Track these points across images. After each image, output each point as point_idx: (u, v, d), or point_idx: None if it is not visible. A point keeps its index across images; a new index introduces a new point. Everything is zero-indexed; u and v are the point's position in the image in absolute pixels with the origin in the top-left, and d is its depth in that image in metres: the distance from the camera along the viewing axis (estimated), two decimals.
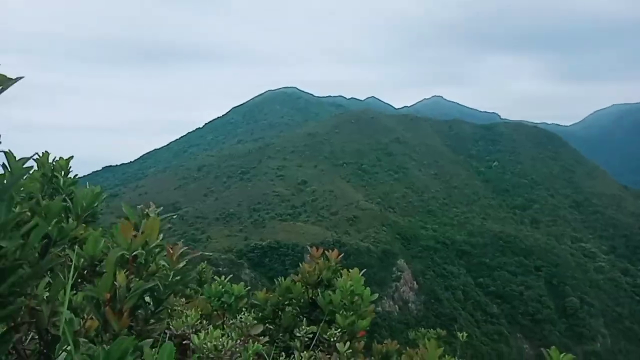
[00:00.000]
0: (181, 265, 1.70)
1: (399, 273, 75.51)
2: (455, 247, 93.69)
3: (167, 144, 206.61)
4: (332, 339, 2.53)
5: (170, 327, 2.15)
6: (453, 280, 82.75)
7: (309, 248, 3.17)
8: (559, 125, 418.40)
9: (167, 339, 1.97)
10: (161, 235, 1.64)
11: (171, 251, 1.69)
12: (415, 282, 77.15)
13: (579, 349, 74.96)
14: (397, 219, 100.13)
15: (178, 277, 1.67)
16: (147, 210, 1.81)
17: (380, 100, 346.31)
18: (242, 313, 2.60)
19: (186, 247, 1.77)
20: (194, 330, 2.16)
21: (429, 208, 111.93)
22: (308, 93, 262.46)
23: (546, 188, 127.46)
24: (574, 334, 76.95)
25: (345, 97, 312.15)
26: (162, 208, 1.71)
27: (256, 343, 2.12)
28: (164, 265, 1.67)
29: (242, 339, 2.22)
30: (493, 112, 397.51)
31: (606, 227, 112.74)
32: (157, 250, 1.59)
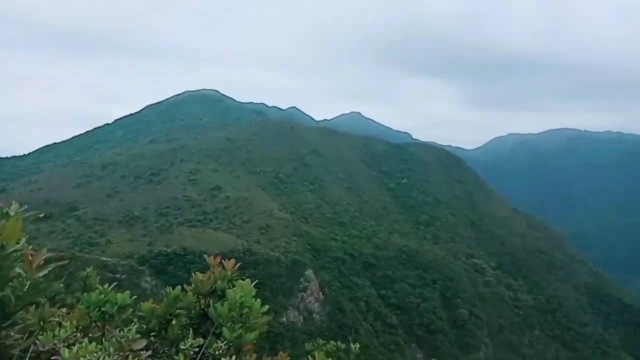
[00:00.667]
0: (42, 273, 1.49)
1: (306, 283, 76.73)
2: (362, 259, 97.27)
3: (70, 138, 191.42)
4: (217, 353, 2.43)
5: (37, 341, 1.90)
6: (357, 291, 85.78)
7: (205, 256, 3.06)
8: (462, 148, 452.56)
9: (28, 356, 1.73)
10: (23, 239, 1.47)
11: (30, 258, 1.48)
12: (321, 293, 78.88)
13: (465, 358, 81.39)
14: (309, 229, 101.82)
15: (41, 286, 1.48)
16: (7, 209, 1.60)
17: (301, 111, 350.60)
18: (126, 325, 2.46)
19: (53, 253, 1.43)
20: (66, 344, 1.95)
21: (340, 220, 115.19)
22: (229, 97, 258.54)
23: (448, 207, 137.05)
24: (462, 344, 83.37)
25: (267, 105, 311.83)
26: (26, 207, 1.51)
27: (137, 359, 1.96)
28: (19, 274, 1.46)
29: (121, 354, 2.04)
30: (406, 132, 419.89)
31: (496, 245, 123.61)
32: (15, 255, 1.40)
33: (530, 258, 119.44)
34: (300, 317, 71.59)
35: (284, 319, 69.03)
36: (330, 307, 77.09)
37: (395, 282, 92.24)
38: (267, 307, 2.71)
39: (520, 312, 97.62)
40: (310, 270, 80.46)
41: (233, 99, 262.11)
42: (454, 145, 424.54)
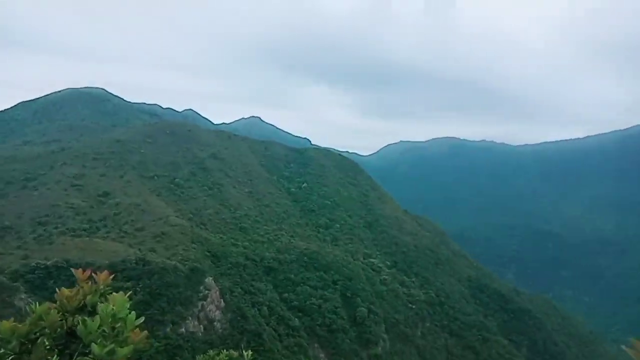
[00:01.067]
0: None
1: (207, 291, 73.66)
2: (263, 264, 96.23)
3: None
4: None
5: None
6: (260, 296, 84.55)
7: (73, 270, 2.79)
8: (358, 154, 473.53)
9: None
10: None
11: None
12: (222, 300, 76.28)
13: (364, 353, 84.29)
14: (208, 235, 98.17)
15: None
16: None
17: (198, 114, 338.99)
18: None
19: None
20: None
21: (241, 225, 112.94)
22: (118, 97, 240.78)
23: (346, 210, 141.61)
24: (362, 340, 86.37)
25: (161, 107, 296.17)
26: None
27: None
28: None
29: None
30: (305, 138, 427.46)
31: (390, 244, 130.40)
32: None
33: (421, 255, 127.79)
34: (201, 326, 68.45)
35: (183, 329, 65.44)
36: (232, 314, 74.87)
37: (297, 285, 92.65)
38: (142, 319, 2.55)
39: (413, 306, 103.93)
40: (211, 278, 77.46)
41: (122, 99, 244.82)
42: (350, 151, 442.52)
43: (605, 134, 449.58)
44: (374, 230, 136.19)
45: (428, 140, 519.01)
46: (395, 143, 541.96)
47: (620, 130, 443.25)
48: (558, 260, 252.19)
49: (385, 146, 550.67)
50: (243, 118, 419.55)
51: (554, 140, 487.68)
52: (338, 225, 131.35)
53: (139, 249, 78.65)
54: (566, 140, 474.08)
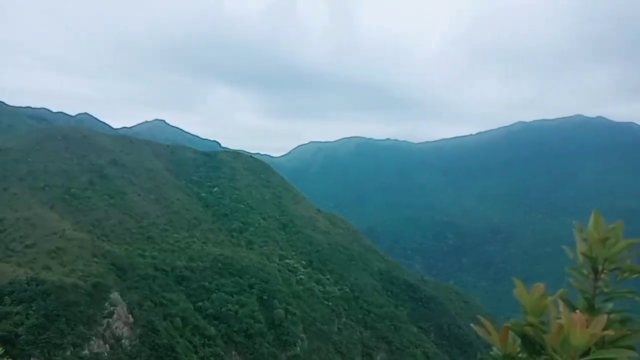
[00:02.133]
0: None
1: (112, 308, 68.73)
2: (175, 274, 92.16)
3: None
4: None
5: None
6: (172, 308, 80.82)
7: None
8: (270, 156, 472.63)
9: None
10: None
11: None
12: (130, 316, 71.69)
13: (283, 355, 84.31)
14: (111, 248, 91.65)
15: None
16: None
17: (95, 117, 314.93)
18: None
19: None
20: None
21: (148, 234, 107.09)
22: None
23: (259, 212, 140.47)
24: (280, 342, 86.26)
25: (50, 111, 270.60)
26: None
27: None
28: None
29: None
30: (214, 140, 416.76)
31: (305, 244, 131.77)
32: None
33: (335, 253, 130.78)
34: (107, 345, 63.70)
35: (86, 351, 60.46)
36: (142, 329, 70.69)
37: (212, 292, 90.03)
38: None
39: (329, 303, 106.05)
40: (116, 293, 72.43)
41: (4, 103, 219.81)
42: (262, 152, 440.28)
43: (493, 130, 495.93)
44: (289, 231, 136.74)
45: (337, 140, 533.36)
46: (306, 144, 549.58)
47: (505, 126, 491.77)
48: (458, 249, 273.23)
49: (297, 147, 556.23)
50: (146, 121, 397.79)
51: (451, 137, 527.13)
52: (252, 229, 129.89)
53: (31, 268, 71.12)
54: (461, 136, 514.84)
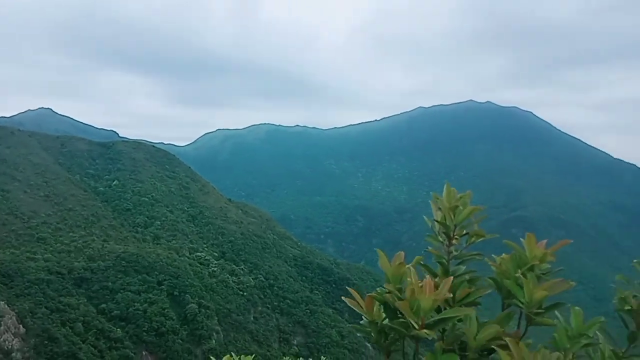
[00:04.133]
0: None
1: None
2: (73, 276, 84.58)
3: None
4: None
5: None
6: (71, 312, 74.17)
7: None
8: (175, 145, 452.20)
9: None
10: None
11: None
12: (21, 326, 64.51)
13: (198, 350, 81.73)
14: None
15: None
16: None
17: None
18: None
19: None
20: None
21: (39, 235, 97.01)
22: None
23: (166, 205, 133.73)
24: (194, 337, 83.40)
25: None
26: None
27: None
28: None
29: None
30: (111, 130, 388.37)
31: (217, 235, 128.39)
32: None
33: (248, 242, 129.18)
34: None
35: None
36: (37, 339, 64.05)
37: (116, 293, 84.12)
38: None
39: (244, 293, 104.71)
40: (2, 302, 64.65)
41: None
42: (165, 142, 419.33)
43: (395, 115, 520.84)
44: (199, 223, 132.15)
45: (246, 128, 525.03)
46: (213, 132, 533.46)
47: (406, 111, 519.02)
48: (368, 230, 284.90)
49: (203, 135, 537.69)
50: (30, 110, 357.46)
51: (357, 123, 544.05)
52: (159, 223, 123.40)
53: None
54: (366, 122, 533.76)
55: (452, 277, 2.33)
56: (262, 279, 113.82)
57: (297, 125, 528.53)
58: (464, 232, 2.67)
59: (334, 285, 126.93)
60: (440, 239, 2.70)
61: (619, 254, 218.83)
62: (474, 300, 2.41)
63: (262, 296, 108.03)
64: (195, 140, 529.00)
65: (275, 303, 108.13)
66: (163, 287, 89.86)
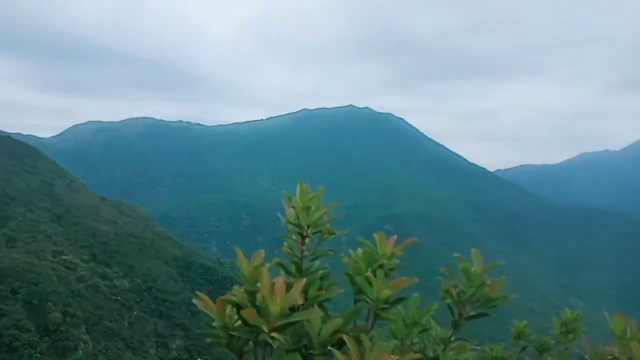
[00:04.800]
0: None
1: None
2: None
3: None
4: None
5: None
6: None
7: None
8: (36, 136, 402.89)
9: None
10: None
11: None
12: None
13: None
14: None
15: None
16: None
17: None
18: None
19: None
20: None
21: None
22: None
23: (24, 203, 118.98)
24: (57, 349, 75.68)
25: None
26: None
27: None
28: None
29: None
30: None
31: (87, 236, 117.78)
32: None
33: (123, 243, 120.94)
34: None
35: None
36: None
37: None
38: None
39: (118, 298, 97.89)
40: None
41: None
42: (25, 132, 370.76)
43: (282, 115, 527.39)
44: (65, 223, 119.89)
45: (123, 121, 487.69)
46: (84, 123, 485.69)
47: (292, 112, 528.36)
48: (254, 229, 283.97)
49: (72, 127, 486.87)
50: None
51: (244, 121, 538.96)
52: (14, 223, 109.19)
53: None
54: (254, 120, 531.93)
55: (305, 279, 2.36)
56: (139, 281, 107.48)
57: (181, 121, 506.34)
58: (317, 230, 2.70)
59: (217, 285, 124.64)
60: (294, 238, 2.73)
61: (471, 246, 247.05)
62: (326, 298, 2.49)
63: (138, 300, 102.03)
64: (62, 132, 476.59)
65: (153, 306, 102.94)
66: (19, 295, 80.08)
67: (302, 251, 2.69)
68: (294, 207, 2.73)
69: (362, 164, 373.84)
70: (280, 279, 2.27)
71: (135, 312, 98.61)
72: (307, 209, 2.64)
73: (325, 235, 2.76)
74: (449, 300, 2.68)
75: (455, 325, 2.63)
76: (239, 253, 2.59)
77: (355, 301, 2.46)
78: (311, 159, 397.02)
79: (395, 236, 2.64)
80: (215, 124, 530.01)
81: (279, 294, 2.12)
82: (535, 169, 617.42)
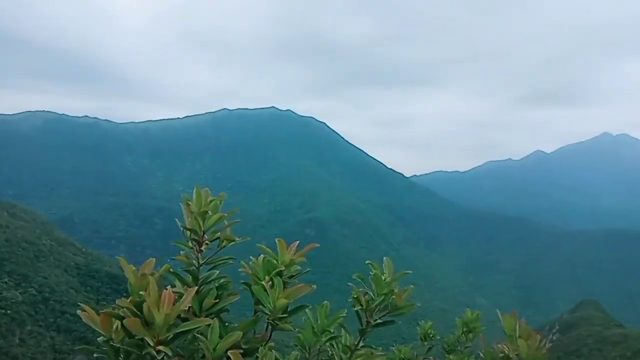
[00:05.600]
0: None
1: None
2: None
3: None
4: None
5: None
6: None
7: None
8: None
9: None
10: None
11: None
12: None
13: None
14: None
15: None
16: None
17: None
18: None
19: None
20: None
21: None
22: None
23: None
24: None
25: None
26: None
27: None
28: None
29: None
30: None
31: None
32: None
33: (15, 250, 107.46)
34: None
35: None
36: None
37: None
38: None
39: (8, 311, 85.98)
40: None
41: None
42: None
43: (200, 115, 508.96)
44: None
45: (17, 114, 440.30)
46: None
47: (211, 112, 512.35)
48: (168, 233, 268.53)
49: None
50: None
51: (158, 119, 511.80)
52: None
53: None
54: (169, 119, 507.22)
55: (195, 288, 2.26)
56: (34, 292, 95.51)
57: (87, 116, 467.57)
58: (216, 236, 2.59)
59: (125, 294, 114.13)
60: (191, 245, 2.58)
61: (389, 249, 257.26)
62: (222, 308, 2.35)
63: (33, 313, 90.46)
64: None
65: (50, 319, 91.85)
66: None
67: (199, 259, 2.57)
68: (193, 212, 2.64)
69: (283, 167, 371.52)
70: (169, 288, 2.13)
71: (28, 327, 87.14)
72: (203, 214, 2.58)
73: (224, 242, 2.68)
74: (357, 308, 2.67)
75: (362, 333, 2.66)
76: (123, 262, 2.46)
77: (255, 311, 2.40)
78: (231, 161, 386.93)
79: (297, 242, 2.62)
80: (127, 121, 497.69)
81: (166, 303, 1.98)
82: (447, 175, 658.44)
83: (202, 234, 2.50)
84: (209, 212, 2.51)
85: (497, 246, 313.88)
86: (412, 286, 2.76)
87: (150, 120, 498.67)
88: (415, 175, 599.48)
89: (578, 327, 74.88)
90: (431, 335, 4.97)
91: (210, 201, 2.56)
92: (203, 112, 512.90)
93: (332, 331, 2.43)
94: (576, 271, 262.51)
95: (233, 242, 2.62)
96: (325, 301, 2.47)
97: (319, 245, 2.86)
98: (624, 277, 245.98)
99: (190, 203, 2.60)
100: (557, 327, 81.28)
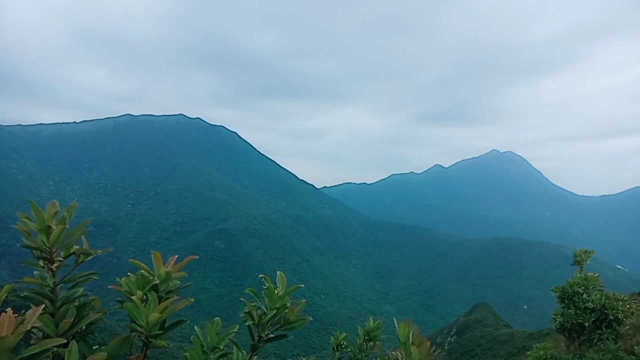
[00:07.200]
0: None
1: None
2: None
3: None
4: None
5: None
6: None
7: None
8: None
9: None
10: None
11: None
12: None
13: None
14: None
15: None
16: None
17: None
18: None
19: None
20: None
21: None
22: None
23: None
24: None
25: None
26: None
27: None
28: None
29: None
30: None
31: None
32: None
33: None
34: None
35: None
36: None
37: None
38: None
39: None
40: None
41: None
42: None
43: (99, 119, 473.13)
44: None
45: None
46: None
47: (112, 117, 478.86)
48: None
49: None
50: None
51: (51, 122, 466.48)
52: None
53: None
54: (62, 123, 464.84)
55: (40, 307, 2.07)
56: None
57: None
58: (71, 251, 2.45)
59: None
60: (42, 264, 2.38)
61: (300, 260, 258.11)
62: (86, 329, 2.27)
63: None
64: None
65: None
66: None
67: (54, 278, 2.38)
68: (34, 230, 2.45)
69: (191, 177, 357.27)
70: (8, 313, 1.93)
71: None
72: (46, 229, 2.38)
73: (82, 257, 2.53)
74: (249, 322, 2.66)
75: (254, 349, 2.64)
76: None
77: (131, 330, 2.31)
78: (134, 169, 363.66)
79: (176, 256, 2.59)
80: (13, 124, 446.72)
81: (6, 327, 1.83)
82: (356, 187, 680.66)
83: (50, 250, 2.29)
84: (53, 226, 2.29)
85: (400, 254, 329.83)
86: (304, 300, 2.72)
87: (42, 124, 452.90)
88: (325, 186, 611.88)
89: (473, 328, 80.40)
90: (343, 346, 5.02)
91: (55, 213, 2.33)
92: (103, 117, 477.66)
93: (221, 348, 2.37)
94: (470, 276, 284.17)
95: (90, 256, 2.47)
96: (216, 317, 2.41)
97: (198, 257, 2.72)
98: (508, 280, 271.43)
99: (28, 219, 2.31)
100: (455, 330, 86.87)
